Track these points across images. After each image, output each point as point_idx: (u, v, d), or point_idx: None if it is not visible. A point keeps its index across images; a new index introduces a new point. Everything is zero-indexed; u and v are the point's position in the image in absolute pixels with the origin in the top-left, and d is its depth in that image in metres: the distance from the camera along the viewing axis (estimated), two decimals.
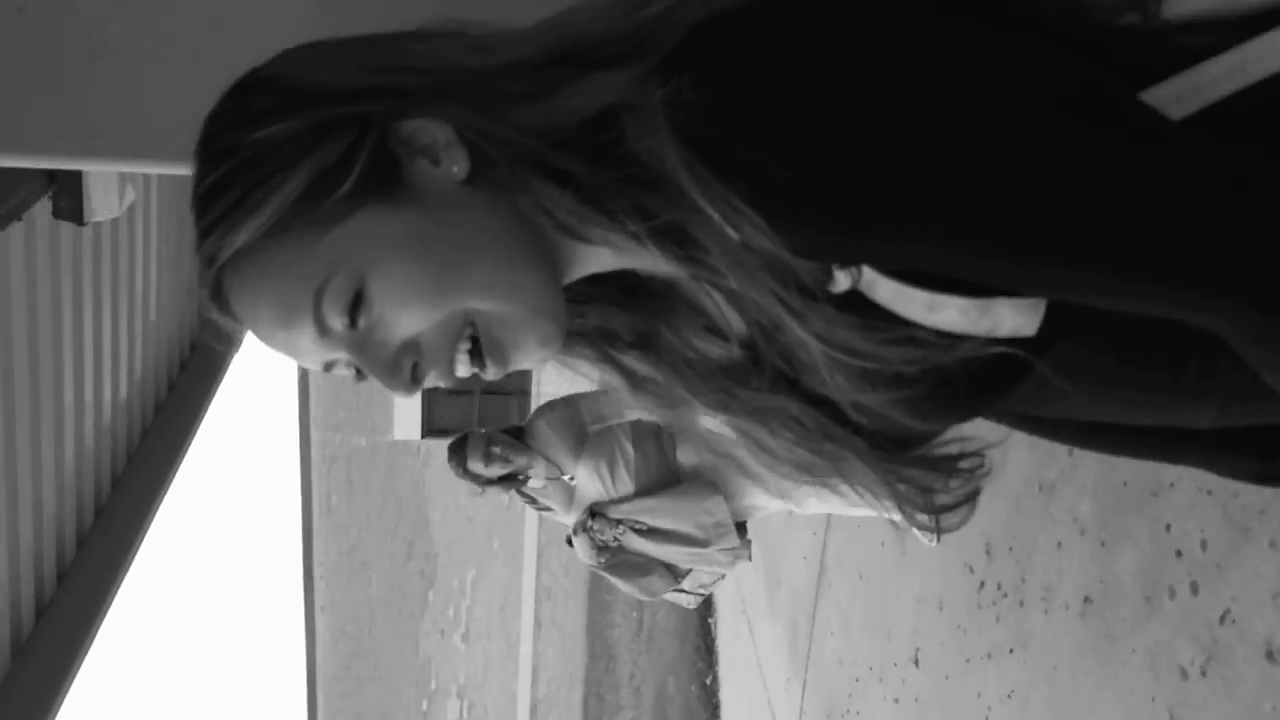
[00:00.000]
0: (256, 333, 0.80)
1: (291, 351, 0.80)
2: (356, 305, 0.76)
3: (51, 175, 2.82)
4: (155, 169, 1.83)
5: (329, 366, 0.81)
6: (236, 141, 0.75)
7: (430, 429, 15.44)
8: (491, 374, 0.80)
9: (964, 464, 0.86)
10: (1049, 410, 0.89)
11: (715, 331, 0.83)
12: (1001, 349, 0.72)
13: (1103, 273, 0.67)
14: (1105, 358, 0.79)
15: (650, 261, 0.77)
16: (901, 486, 0.84)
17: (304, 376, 14.85)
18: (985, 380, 0.76)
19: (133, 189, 3.14)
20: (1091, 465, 3.29)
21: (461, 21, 0.78)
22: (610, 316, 0.88)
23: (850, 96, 0.64)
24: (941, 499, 0.87)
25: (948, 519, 0.89)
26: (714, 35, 0.68)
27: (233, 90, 0.77)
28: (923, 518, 0.88)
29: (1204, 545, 2.75)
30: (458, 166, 0.76)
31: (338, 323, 0.76)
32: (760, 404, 0.83)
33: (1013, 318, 0.72)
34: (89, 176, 2.88)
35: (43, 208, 2.90)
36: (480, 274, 0.76)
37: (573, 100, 0.72)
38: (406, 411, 15.16)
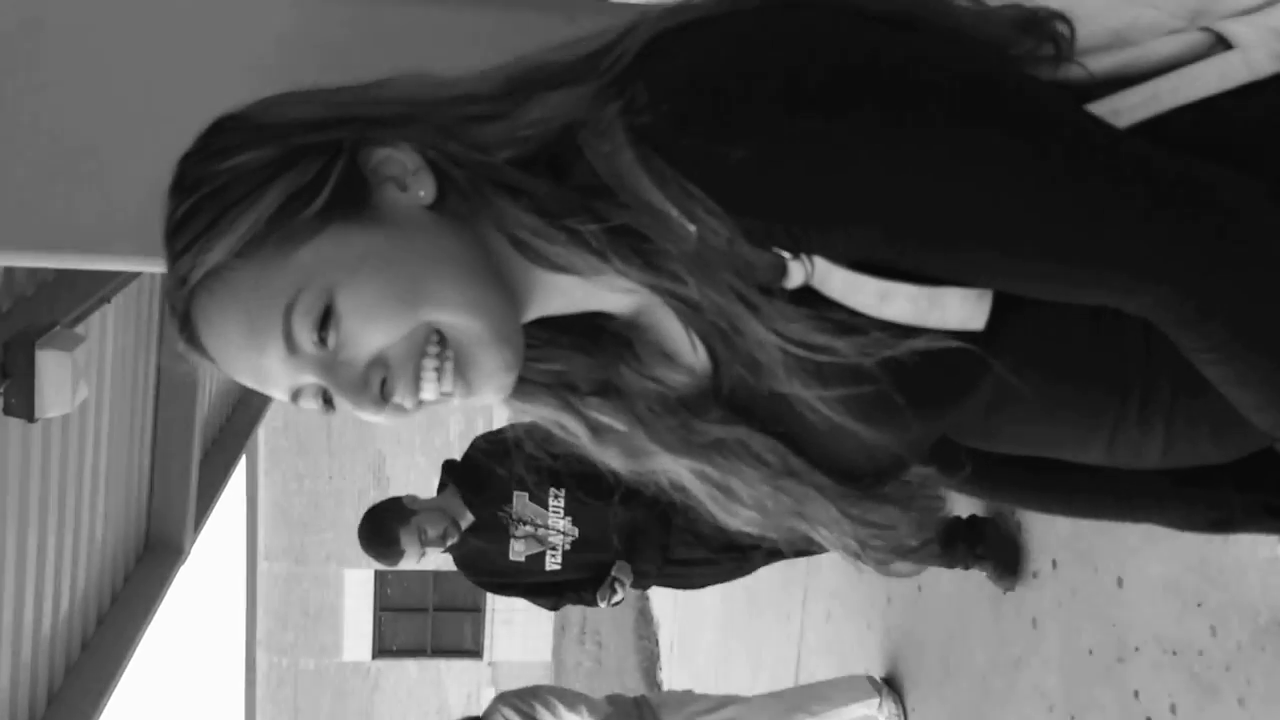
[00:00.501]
0: (223, 359, 0.81)
1: (259, 376, 0.81)
2: (325, 321, 0.77)
3: (4, 370, 2.82)
4: (117, 264, 1.84)
5: (296, 395, 0.82)
6: (208, 171, 0.78)
7: (381, 649, 14.95)
8: (457, 392, 0.81)
9: (922, 500, 0.88)
10: (1001, 441, 0.90)
11: (673, 366, 0.85)
12: (952, 342, 0.75)
13: (1037, 257, 0.72)
14: (1050, 366, 0.81)
15: (609, 289, 0.80)
16: (862, 524, 0.86)
17: (252, 594, 14.38)
18: (936, 384, 0.79)
19: (85, 385, 3.14)
20: (1054, 637, 3.26)
21: (428, 69, 0.83)
22: (572, 361, 0.89)
23: (798, 87, 0.69)
24: (903, 538, 0.89)
25: (903, 563, 0.91)
26: (664, 46, 0.73)
27: (205, 131, 0.81)
28: (881, 556, 0.89)
29: (1173, 709, 2.71)
30: (424, 191, 0.79)
31: (307, 340, 0.78)
32: (720, 435, 0.84)
33: (960, 308, 0.75)
34: (41, 372, 2.88)
35: None
36: (445, 289, 0.79)
37: (532, 116, 0.76)
38: (357, 630, 14.70)
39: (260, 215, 0.77)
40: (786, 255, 0.73)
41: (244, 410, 7.27)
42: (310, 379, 0.80)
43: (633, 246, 0.74)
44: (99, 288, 3.85)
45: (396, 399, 0.81)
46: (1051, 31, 0.77)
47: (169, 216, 0.79)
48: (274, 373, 0.80)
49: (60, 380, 2.97)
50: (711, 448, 0.85)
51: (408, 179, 0.79)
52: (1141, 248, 0.70)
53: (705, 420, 0.85)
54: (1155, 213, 0.70)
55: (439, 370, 0.80)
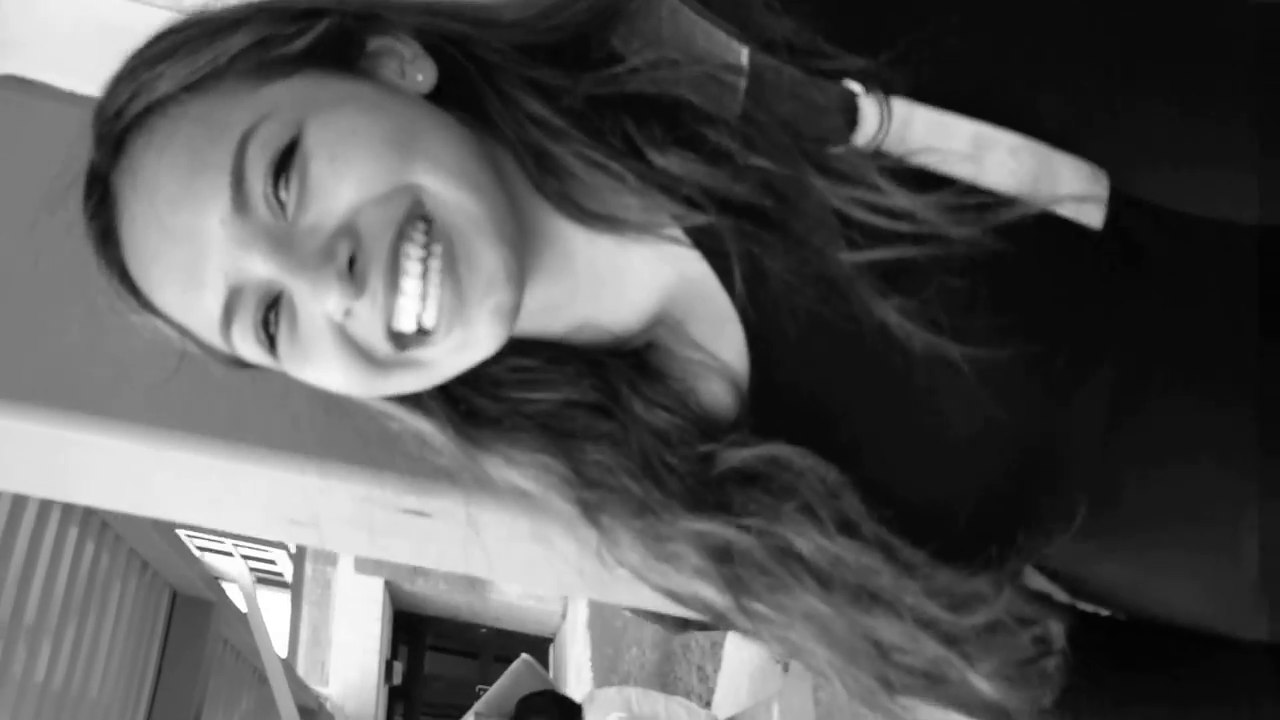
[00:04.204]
0: (144, 229, 0.63)
1: (189, 259, 0.62)
2: (287, 162, 0.61)
3: None
4: None
5: (230, 308, 0.64)
6: (185, 23, 0.66)
7: None
8: (444, 304, 0.63)
9: (1027, 632, 0.70)
10: (1120, 515, 0.70)
11: (700, 373, 0.71)
12: (1071, 213, 0.62)
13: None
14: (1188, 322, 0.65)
15: (629, 254, 0.68)
16: (950, 622, 0.68)
17: None
18: (1042, 288, 0.64)
19: None
20: None
21: None
22: (573, 389, 0.72)
23: None
24: (1009, 658, 0.70)
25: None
26: None
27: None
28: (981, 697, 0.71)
29: None
30: (423, 75, 0.67)
31: (259, 186, 0.62)
32: (750, 457, 0.68)
33: (1073, 180, 0.63)
34: None
35: None
36: (443, 152, 0.63)
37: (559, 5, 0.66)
38: None
39: (225, 50, 0.63)
40: (857, 90, 0.62)
41: None
42: (256, 261, 0.62)
43: (665, 133, 0.64)
44: None
45: (371, 285, 0.62)
46: None
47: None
48: (209, 248, 0.62)
49: None
50: (737, 493, 0.68)
51: (405, 65, 0.67)
52: None
53: (731, 445, 0.69)
54: None
55: (424, 262, 0.63)
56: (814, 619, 0.69)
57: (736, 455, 0.68)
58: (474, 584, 9.75)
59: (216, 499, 0.90)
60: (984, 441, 0.67)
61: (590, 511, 0.70)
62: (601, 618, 8.62)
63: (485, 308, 0.64)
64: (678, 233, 0.68)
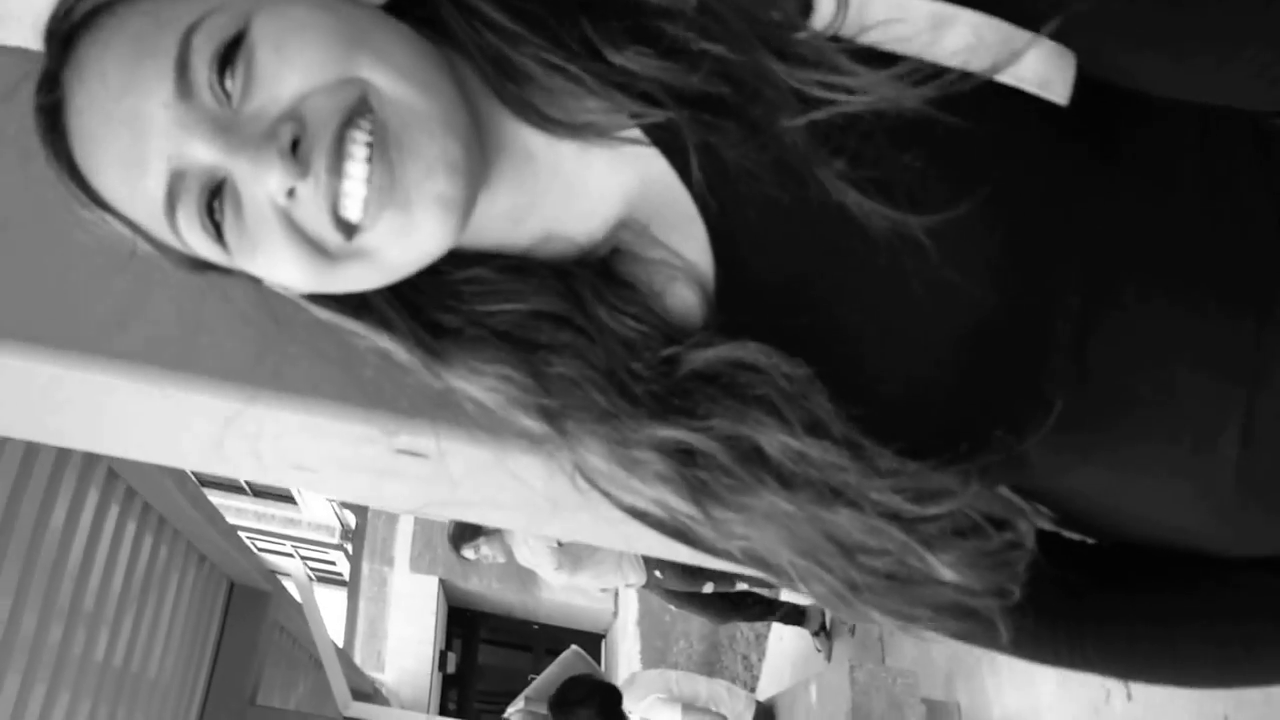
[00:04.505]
0: (90, 121, 0.63)
1: (131, 144, 0.62)
2: (233, 53, 0.61)
3: None
4: None
5: (173, 196, 0.63)
6: None
7: None
8: (381, 195, 0.62)
9: (998, 536, 0.70)
10: (1086, 418, 0.70)
11: (666, 279, 0.71)
12: (1030, 87, 0.62)
13: None
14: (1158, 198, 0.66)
15: (588, 155, 0.68)
16: (910, 525, 0.68)
17: None
18: (996, 151, 0.64)
19: None
20: None
21: None
22: (536, 298, 0.72)
23: None
24: (976, 564, 0.69)
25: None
26: None
27: None
28: (941, 598, 0.70)
29: None
30: None
31: (204, 74, 0.61)
32: (716, 358, 0.68)
33: (1036, 57, 0.62)
34: None
35: None
36: (393, 48, 0.63)
37: None
38: None
39: None
40: None
41: None
42: (198, 145, 0.62)
43: (622, 30, 0.64)
44: None
45: (314, 168, 0.61)
46: None
47: None
48: (151, 131, 0.62)
49: None
50: (703, 397, 0.68)
51: None
52: None
53: (694, 346, 0.68)
54: None
55: (370, 147, 0.62)
56: (777, 519, 0.68)
57: (700, 357, 0.68)
58: (525, 583, 9.84)
59: (215, 442, 0.90)
60: (952, 324, 0.67)
61: (554, 420, 0.70)
62: (651, 613, 8.68)
63: (424, 193, 0.62)
64: (638, 133, 0.68)
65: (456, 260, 0.72)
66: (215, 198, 0.63)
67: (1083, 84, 0.66)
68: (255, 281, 0.73)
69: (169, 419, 0.90)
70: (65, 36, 0.66)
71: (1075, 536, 0.82)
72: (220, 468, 1.00)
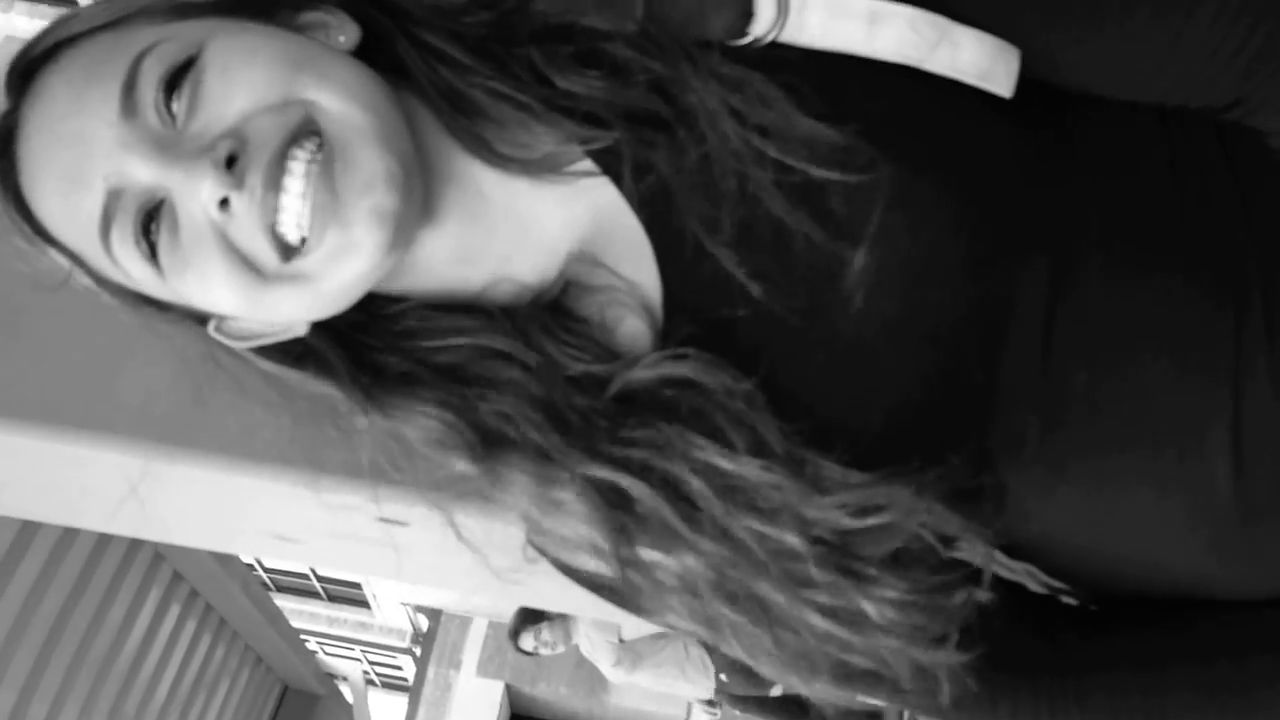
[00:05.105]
0: (38, 144, 0.65)
1: (74, 157, 0.63)
2: (181, 76, 0.62)
3: None
4: None
5: (112, 201, 0.63)
6: None
7: None
8: (319, 211, 0.62)
9: (940, 575, 0.66)
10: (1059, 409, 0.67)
11: (617, 305, 0.71)
12: (968, 78, 0.63)
13: None
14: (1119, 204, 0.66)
15: (538, 189, 0.69)
16: (854, 551, 0.66)
17: None
18: (932, 134, 0.65)
19: None
20: None
21: None
22: (478, 336, 0.71)
23: None
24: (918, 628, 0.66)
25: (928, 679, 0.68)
26: None
27: None
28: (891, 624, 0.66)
29: None
30: (345, 36, 0.68)
31: (150, 93, 0.62)
32: (650, 378, 0.67)
33: (977, 50, 0.64)
34: None
35: None
36: (339, 72, 0.64)
37: None
38: None
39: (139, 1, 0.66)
40: None
41: None
42: (136, 163, 0.62)
43: (567, 56, 0.67)
44: None
45: (249, 181, 0.61)
46: None
47: None
48: (93, 150, 0.62)
49: None
50: (639, 422, 0.66)
51: (330, 30, 0.68)
52: None
53: (632, 368, 0.67)
54: None
55: (309, 165, 0.62)
56: (706, 559, 0.67)
57: (635, 377, 0.67)
58: (593, 688, 9.71)
59: (214, 516, 0.93)
60: (903, 329, 0.66)
61: (481, 460, 0.68)
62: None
63: (361, 208, 0.62)
64: (589, 164, 0.69)
65: (405, 303, 0.73)
66: (152, 220, 0.64)
67: (1032, 81, 0.67)
68: (200, 331, 0.72)
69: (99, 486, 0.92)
70: (25, 70, 0.67)
71: (1056, 585, 0.77)
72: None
